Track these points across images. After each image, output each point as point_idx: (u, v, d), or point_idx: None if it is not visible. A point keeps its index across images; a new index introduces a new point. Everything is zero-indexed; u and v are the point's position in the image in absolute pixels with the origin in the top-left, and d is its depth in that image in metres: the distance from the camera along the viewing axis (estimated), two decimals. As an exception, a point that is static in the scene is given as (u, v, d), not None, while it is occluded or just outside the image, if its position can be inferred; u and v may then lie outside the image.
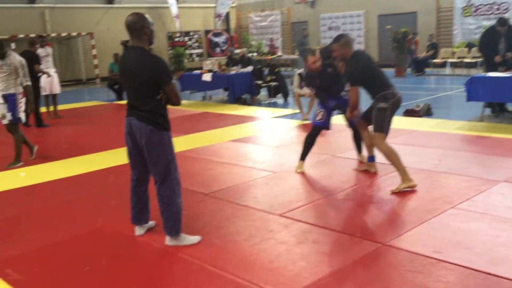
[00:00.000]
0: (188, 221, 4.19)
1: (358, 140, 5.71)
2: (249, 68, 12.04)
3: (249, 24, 23.67)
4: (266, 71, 12.89)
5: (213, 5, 22.20)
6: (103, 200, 4.94)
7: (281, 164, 5.93)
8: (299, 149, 6.70)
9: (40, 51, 10.06)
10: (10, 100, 6.30)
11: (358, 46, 19.79)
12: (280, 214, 4.22)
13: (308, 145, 5.54)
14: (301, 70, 9.12)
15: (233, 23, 24.47)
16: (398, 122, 8.03)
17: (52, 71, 10.24)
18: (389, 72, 16.75)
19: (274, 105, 11.41)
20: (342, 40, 4.89)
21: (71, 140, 8.22)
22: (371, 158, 5.36)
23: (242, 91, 11.81)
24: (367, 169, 5.38)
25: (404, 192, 4.59)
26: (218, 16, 22.22)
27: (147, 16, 3.56)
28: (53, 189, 5.41)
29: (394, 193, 4.58)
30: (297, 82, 9.01)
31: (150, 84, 3.45)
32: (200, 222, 4.19)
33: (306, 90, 8.84)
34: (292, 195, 4.75)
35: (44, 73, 9.60)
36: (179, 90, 3.60)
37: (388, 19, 18.71)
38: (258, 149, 6.93)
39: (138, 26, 3.49)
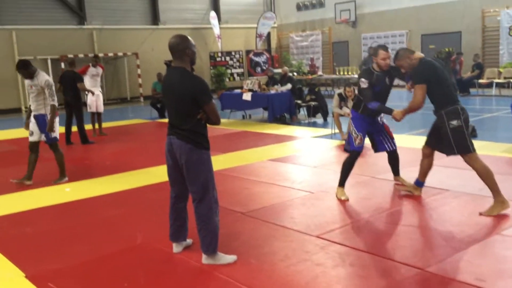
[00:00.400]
0: (225, 240, 4.21)
1: (394, 161, 5.58)
2: (288, 86, 12.08)
3: (290, 44, 23.83)
4: (306, 90, 12.91)
5: (255, 25, 22.51)
6: (144, 216, 5.04)
7: (319, 185, 5.89)
8: (337, 169, 6.65)
9: (91, 70, 10.50)
10: (41, 121, 6.41)
11: (400, 65, 19.55)
12: (317, 235, 4.18)
13: (347, 170, 5.33)
14: (341, 90, 9.09)
15: (274, 43, 24.70)
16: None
17: (97, 90, 10.61)
18: (432, 92, 16.48)
19: (314, 124, 11.38)
20: (400, 52, 4.90)
21: (114, 157, 8.44)
22: (421, 184, 5.17)
23: (282, 110, 11.86)
24: (411, 191, 5.23)
25: (447, 216, 4.47)
26: (259, 36, 22.50)
27: (189, 38, 3.66)
28: (96, 205, 5.55)
29: (482, 214, 4.43)
30: (337, 102, 8.97)
31: (191, 103, 3.54)
32: (236, 241, 4.21)
33: (346, 110, 8.79)
34: (329, 216, 4.70)
35: (88, 91, 9.95)
36: (218, 110, 3.67)
37: (432, 38, 18.43)
38: (297, 169, 6.91)
39: (181, 47, 3.59)
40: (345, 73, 18.30)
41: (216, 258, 3.72)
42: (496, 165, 6.31)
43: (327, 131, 9.89)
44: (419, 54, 4.84)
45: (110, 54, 19.54)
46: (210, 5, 22.50)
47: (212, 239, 3.68)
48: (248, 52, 22.36)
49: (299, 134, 9.95)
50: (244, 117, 12.97)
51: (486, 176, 4.50)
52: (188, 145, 3.56)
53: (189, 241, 4.09)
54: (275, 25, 24.01)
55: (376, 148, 5.53)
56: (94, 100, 10.48)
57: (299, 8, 23.42)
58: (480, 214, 4.44)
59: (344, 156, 7.53)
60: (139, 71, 20.11)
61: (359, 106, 5.27)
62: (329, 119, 11.40)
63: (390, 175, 6.04)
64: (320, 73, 19.93)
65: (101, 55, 19.23)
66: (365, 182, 5.91)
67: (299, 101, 12.24)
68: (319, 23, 22.54)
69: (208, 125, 3.68)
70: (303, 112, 12.64)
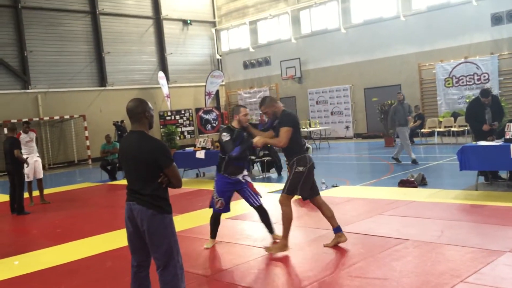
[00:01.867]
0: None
1: (263, 217, 5.78)
2: (242, 144, 12.17)
3: (239, 100, 24.27)
4: (258, 146, 13.02)
5: (203, 84, 22.85)
6: (101, 287, 4.77)
7: (281, 242, 5.83)
8: (297, 225, 6.66)
9: (23, 137, 10.02)
10: None
11: (346, 118, 20.32)
12: (285, 295, 4.10)
13: (215, 225, 5.72)
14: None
15: (223, 100, 25.08)
16: (395, 193, 8.09)
17: (35, 156, 10.19)
18: (378, 142, 17.10)
19: (268, 180, 11.43)
20: (267, 99, 5.36)
21: (64, 225, 8.06)
22: (338, 229, 5.42)
23: (236, 167, 11.84)
24: (338, 240, 5.37)
25: (411, 266, 4.51)
26: (208, 94, 22.81)
27: (147, 101, 3.65)
28: (47, 278, 5.22)
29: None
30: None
31: (151, 167, 3.47)
32: (203, 308, 4.05)
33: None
34: (296, 274, 4.65)
35: (23, 162, 9.39)
36: (179, 172, 3.61)
37: (374, 91, 19.33)
38: (256, 226, 6.82)
39: (139, 110, 3.57)
40: (295, 127, 18.69)
41: None
42: (449, 212, 6.53)
43: (282, 185, 9.92)
44: (281, 104, 5.43)
45: (56, 117, 19.13)
46: (158, 66, 22.74)
47: None
48: (197, 110, 22.55)
49: (254, 190, 9.91)
50: (198, 175, 12.87)
51: (284, 218, 5.28)
52: (150, 211, 3.45)
53: None
54: (223, 83, 24.47)
55: (248, 203, 5.75)
56: (32, 167, 10.01)
57: (245, 66, 24.06)
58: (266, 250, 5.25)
59: (303, 210, 7.60)
60: (86, 133, 19.75)
61: (220, 167, 5.53)
62: (283, 173, 11.51)
63: (351, 228, 6.11)
64: (270, 128, 20.27)
65: (46, 118, 18.81)
66: (326, 236, 5.90)
67: (252, 157, 12.32)
68: (266, 79, 23.19)
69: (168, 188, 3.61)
70: (257, 168, 12.69)
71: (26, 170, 9.68)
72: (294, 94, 22.26)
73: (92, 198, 10.77)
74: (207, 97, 22.84)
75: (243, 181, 5.62)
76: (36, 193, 10.29)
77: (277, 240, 5.54)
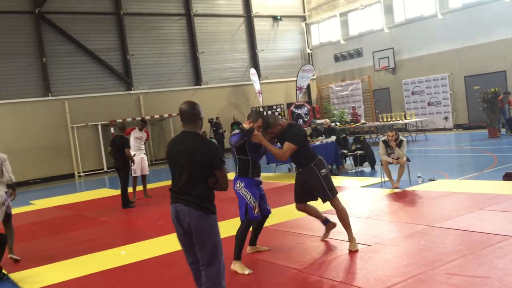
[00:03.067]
0: (284, 299, 4.14)
1: (260, 227, 5.44)
2: (333, 138, 12.07)
3: (330, 94, 24.02)
4: (351, 139, 12.84)
5: (294, 79, 22.92)
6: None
7: (374, 236, 5.74)
8: (392, 219, 6.51)
9: (136, 133, 10.77)
10: None
11: (445, 108, 19.32)
12: (378, 291, 4.04)
13: (243, 241, 5.05)
14: (385, 137, 8.99)
15: (314, 94, 24.98)
16: (499, 187, 7.59)
17: (142, 153, 10.85)
18: (481, 133, 16.06)
19: (361, 174, 11.24)
20: (270, 120, 5.22)
21: (165, 218, 8.53)
22: (327, 220, 5.78)
23: (328, 161, 11.77)
24: (331, 228, 5.77)
25: (515, 265, 4.22)
26: (299, 88, 22.84)
27: (198, 104, 3.77)
28: (151, 267, 5.59)
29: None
30: (383, 150, 8.86)
31: (205, 168, 3.53)
32: (295, 300, 4.12)
33: (394, 157, 8.66)
34: (389, 269, 4.54)
35: (131, 159, 10.05)
36: (227, 175, 3.67)
37: (476, 79, 18.18)
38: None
39: (196, 112, 3.68)
40: (388, 119, 18.16)
41: None
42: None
43: (376, 179, 9.72)
44: (284, 120, 5.49)
45: (156, 116, 20.25)
46: (249, 63, 23.18)
47: None
48: (289, 105, 22.67)
49: (347, 184, 9.82)
50: (290, 170, 12.96)
51: (346, 218, 5.37)
52: (197, 212, 3.51)
53: None
54: (314, 77, 24.36)
55: (262, 212, 5.24)
56: (139, 164, 10.70)
57: (336, 59, 23.74)
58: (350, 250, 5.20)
59: (397, 205, 7.39)
60: (184, 130, 20.65)
61: (247, 171, 5.07)
62: (377, 167, 11.24)
63: (450, 223, 5.85)
64: (363, 121, 19.88)
65: (147, 117, 19.96)
66: (422, 232, 5.71)
67: (344, 151, 12.17)
68: (358, 72, 22.71)
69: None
70: (349, 162, 12.52)
71: (134, 166, 10.39)
72: (388, 85, 21.57)
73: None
74: (298, 91, 22.88)
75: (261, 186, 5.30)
76: (140, 188, 11.00)
77: (262, 249, 5.55)
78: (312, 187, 5.36)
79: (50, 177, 17.90)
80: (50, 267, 5.99)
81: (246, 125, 5.13)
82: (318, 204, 5.73)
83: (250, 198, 5.00)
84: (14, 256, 6.42)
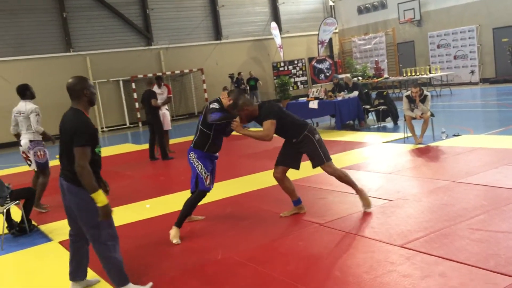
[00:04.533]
0: (306, 251, 4.20)
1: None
2: (355, 93, 11.90)
3: (353, 48, 23.53)
4: (373, 94, 12.65)
5: (316, 32, 22.45)
6: (221, 230, 5.11)
7: (396, 192, 5.73)
8: (415, 175, 6.48)
9: (157, 90, 10.78)
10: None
11: (471, 61, 18.81)
12: (400, 245, 4.06)
13: (190, 211, 5.05)
14: (408, 92, 8.82)
15: (336, 49, 24.51)
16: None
17: (164, 108, 10.89)
18: (509, 87, 15.62)
19: (384, 129, 11.13)
20: (239, 101, 4.84)
21: (187, 173, 8.63)
22: (298, 201, 5.33)
23: (350, 116, 11.70)
24: (297, 212, 5.30)
25: (540, 221, 4.19)
26: (321, 42, 22.41)
27: (87, 79, 3.69)
28: (173, 220, 5.69)
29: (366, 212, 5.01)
30: (407, 105, 8.72)
31: (71, 144, 3.47)
32: (317, 253, 4.18)
33: (417, 112, 8.53)
34: (412, 224, 4.55)
35: (159, 107, 10.18)
36: (87, 159, 3.45)
37: (505, 31, 17.53)
38: (370, 176, 6.77)
39: (78, 87, 3.59)
40: (413, 73, 17.77)
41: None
42: None
43: (399, 135, 9.62)
44: (254, 103, 5.09)
45: (177, 72, 20.20)
46: (270, 16, 22.72)
47: (118, 274, 3.68)
48: (310, 59, 22.32)
49: (369, 140, 9.75)
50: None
51: (348, 177, 5.13)
52: (74, 186, 3.52)
53: (93, 280, 4.06)
54: (337, 30, 23.82)
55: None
56: (162, 118, 10.74)
57: (360, 11, 23.09)
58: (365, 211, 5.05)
59: (420, 160, 7.33)
60: (204, 86, 20.63)
61: (204, 144, 4.96)
62: (400, 122, 11.11)
63: (474, 179, 5.81)
64: (386, 75, 19.50)
65: (168, 73, 19.93)
66: (445, 187, 5.67)
67: (367, 106, 12.01)
68: (382, 24, 22.10)
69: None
70: (371, 117, 12.39)
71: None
72: (413, 38, 20.99)
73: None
74: (320, 46, 22.46)
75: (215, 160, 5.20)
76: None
77: (197, 219, 5.47)
78: (306, 153, 5.11)
79: (74, 133, 18.16)
80: (78, 220, 6.16)
81: (225, 101, 4.97)
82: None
83: (201, 169, 4.92)
84: (37, 209, 6.67)
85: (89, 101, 3.66)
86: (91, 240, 3.65)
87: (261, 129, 4.95)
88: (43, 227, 5.97)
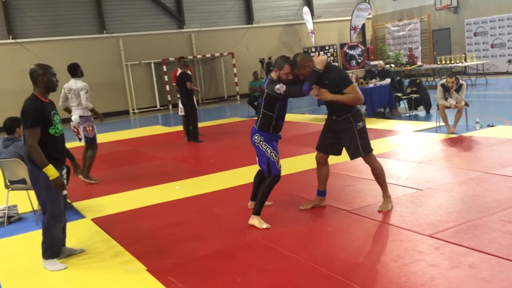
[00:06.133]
0: (333, 238, 4.22)
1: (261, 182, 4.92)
2: (387, 81, 11.72)
3: (386, 34, 23.08)
4: (406, 82, 12.43)
5: (348, 18, 22.10)
6: (248, 214, 5.15)
7: (427, 181, 5.66)
8: (446, 165, 6.38)
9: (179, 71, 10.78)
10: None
11: (509, 51, 18.24)
12: (429, 234, 4.03)
13: (265, 197, 4.71)
14: (443, 81, 8.63)
15: (369, 35, 24.08)
16: None
17: None
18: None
19: (416, 118, 10.95)
20: (298, 59, 4.53)
21: (217, 156, 8.74)
22: (323, 193, 5.10)
23: (381, 104, 11.54)
24: (318, 204, 5.07)
25: None
26: (353, 28, 22.06)
27: (48, 67, 4.02)
28: (203, 202, 5.79)
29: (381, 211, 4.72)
30: (441, 94, 8.55)
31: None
32: (344, 240, 4.18)
33: (452, 101, 8.35)
34: (442, 214, 4.50)
35: (195, 90, 10.30)
36: (34, 138, 3.85)
37: (546, 19, 16.89)
38: (401, 165, 6.69)
39: (35, 74, 3.99)
40: (447, 62, 17.35)
41: (47, 263, 4.10)
42: None
43: (431, 124, 9.46)
44: (322, 57, 4.65)
45: (208, 55, 20.24)
46: (303, 1, 22.46)
47: (48, 247, 4.08)
48: (342, 45, 22.02)
49: (400, 128, 9.62)
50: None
51: (380, 173, 4.83)
52: (31, 165, 3.98)
53: (77, 249, 4.45)
54: (370, 16, 23.38)
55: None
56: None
57: (395, -3, 22.59)
58: (379, 211, 4.74)
59: (452, 150, 7.20)
60: (235, 70, 20.62)
61: (268, 125, 4.65)
62: (432, 111, 10.90)
63: (505, 171, 5.68)
64: (419, 63, 19.09)
65: (199, 56, 19.99)
66: (478, 178, 5.57)
67: (399, 94, 11.83)
68: (417, 10, 21.58)
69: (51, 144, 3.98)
70: (403, 105, 12.19)
71: (181, 104, 10.51)
72: (449, 25, 20.44)
73: (240, 132, 11.40)
74: (352, 31, 22.11)
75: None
76: (180, 127, 11.25)
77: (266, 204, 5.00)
78: (342, 141, 4.77)
79: (106, 113, 18.30)
80: (109, 198, 6.32)
81: (273, 74, 4.60)
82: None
83: (271, 152, 4.64)
84: (87, 180, 7.16)
85: (46, 87, 4.03)
86: (42, 211, 4.09)
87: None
88: (76, 204, 6.14)
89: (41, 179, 3.94)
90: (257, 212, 4.68)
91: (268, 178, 4.69)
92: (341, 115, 4.67)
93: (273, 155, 4.64)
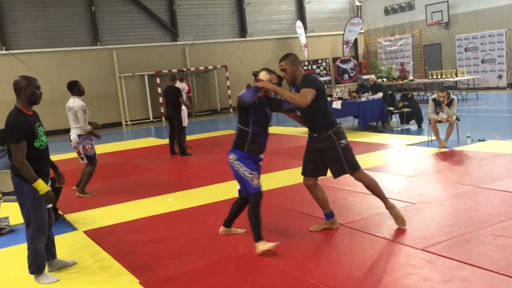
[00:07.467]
0: (326, 251, 4.23)
1: (241, 209, 4.74)
2: (379, 95, 11.83)
3: (378, 49, 23.32)
4: (398, 96, 12.55)
5: (341, 32, 22.32)
6: (241, 226, 5.15)
7: (419, 195, 5.70)
8: (438, 179, 6.43)
9: (179, 85, 10.83)
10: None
11: (499, 66, 18.48)
12: (422, 248, 4.05)
13: (256, 219, 4.31)
14: (434, 95, 8.73)
15: (361, 49, 24.32)
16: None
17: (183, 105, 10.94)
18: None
19: (407, 132, 11.04)
20: (292, 56, 4.56)
21: (211, 168, 8.73)
22: (331, 215, 4.79)
23: (373, 117, 11.63)
24: (329, 227, 4.77)
25: None
26: (346, 43, 22.27)
27: (32, 79, 3.98)
28: (197, 215, 5.79)
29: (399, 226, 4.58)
30: (432, 108, 8.64)
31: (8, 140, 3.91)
32: (337, 252, 4.20)
33: (443, 116, 8.44)
34: (434, 228, 4.53)
35: (185, 105, 10.32)
36: (22, 154, 3.81)
37: (535, 36, 17.17)
38: (393, 179, 6.74)
39: (18, 86, 3.95)
40: (439, 76, 17.55)
41: (37, 278, 4.07)
42: None
43: (423, 138, 9.54)
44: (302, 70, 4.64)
45: (201, 68, 20.32)
46: (296, 15, 22.68)
47: (32, 261, 4.03)
48: (335, 59, 22.20)
49: (392, 142, 9.69)
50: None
51: (375, 187, 4.62)
52: (16, 178, 3.93)
53: (69, 261, 4.44)
54: (362, 30, 23.64)
55: (246, 192, 4.52)
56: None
57: (387, 12, 22.88)
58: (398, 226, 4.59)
59: (444, 164, 7.27)
60: (228, 82, 20.70)
61: (243, 144, 4.40)
62: (424, 125, 11.00)
63: (496, 185, 5.73)
64: (411, 77, 19.29)
65: (192, 69, 20.06)
66: (469, 192, 5.62)
67: (391, 108, 11.93)
68: (409, 26, 21.86)
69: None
70: (395, 119, 12.30)
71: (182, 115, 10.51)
72: (440, 40, 20.70)
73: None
74: (345, 46, 22.33)
75: (260, 163, 4.58)
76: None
77: (237, 231, 4.83)
78: (326, 160, 4.54)
79: (99, 125, 18.45)
80: (101, 210, 6.30)
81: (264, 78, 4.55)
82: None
83: (244, 170, 4.33)
84: (82, 195, 7.09)
85: (29, 99, 3.96)
86: (26, 225, 4.04)
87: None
88: (68, 217, 6.11)
89: (26, 192, 3.90)
90: (256, 238, 4.29)
91: (248, 199, 4.43)
92: (322, 133, 4.48)
93: (246, 173, 4.34)
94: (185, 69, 19.72)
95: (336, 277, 3.67)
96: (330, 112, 4.62)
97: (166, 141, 12.58)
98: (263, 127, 4.45)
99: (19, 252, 4.93)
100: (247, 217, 4.38)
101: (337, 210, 5.33)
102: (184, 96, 10.81)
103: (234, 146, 4.47)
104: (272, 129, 12.69)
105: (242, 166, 4.36)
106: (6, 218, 5.91)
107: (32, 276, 4.11)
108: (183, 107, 10.61)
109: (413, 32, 21.61)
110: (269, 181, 6.96)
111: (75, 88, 6.90)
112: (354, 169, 4.53)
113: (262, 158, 4.58)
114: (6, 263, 4.72)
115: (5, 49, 17.21)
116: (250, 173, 4.34)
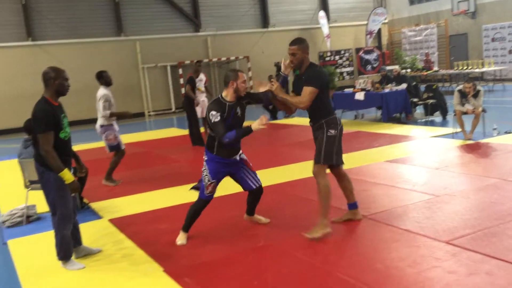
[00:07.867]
0: (349, 243, 4.22)
1: (254, 199, 4.82)
2: (403, 86, 11.67)
3: (402, 39, 22.97)
4: (422, 87, 12.37)
5: (364, 22, 22.05)
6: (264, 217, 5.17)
7: (443, 187, 5.62)
8: (462, 171, 6.34)
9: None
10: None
11: (527, 57, 17.96)
12: (446, 241, 4.01)
13: (193, 217, 4.59)
14: (460, 87, 8.58)
15: (385, 39, 23.98)
16: None
17: (203, 96, 10.94)
18: None
19: (432, 123, 10.88)
20: (304, 43, 4.41)
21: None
22: (354, 205, 4.74)
23: (397, 109, 11.48)
24: (351, 218, 4.73)
25: None
26: (369, 33, 22.00)
27: (62, 71, 4.02)
28: (219, 205, 5.79)
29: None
30: (458, 99, 8.49)
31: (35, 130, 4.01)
32: (360, 244, 4.18)
33: (469, 107, 8.29)
34: (458, 221, 4.48)
35: (191, 96, 10.23)
36: (49, 143, 3.87)
37: None
38: (417, 171, 6.67)
39: (47, 77, 4.00)
40: (464, 67, 17.22)
41: (64, 264, 4.18)
42: None
43: (447, 130, 9.39)
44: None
45: (223, 59, 20.33)
46: (319, 5, 22.46)
47: (60, 248, 4.13)
48: (358, 50, 21.97)
49: (416, 134, 9.56)
50: (357, 117, 12.76)
51: (324, 192, 4.35)
52: (41, 168, 4.00)
53: (95, 249, 4.52)
54: (386, 20, 23.30)
55: (243, 187, 4.73)
56: (200, 106, 10.77)
57: (411, 1, 22.50)
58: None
59: (469, 156, 7.15)
60: (250, 73, 20.68)
61: (212, 146, 4.43)
62: (449, 117, 10.83)
63: (525, 178, 5.61)
64: (436, 68, 18.97)
65: (215, 59, 20.10)
66: (495, 185, 5.52)
67: (415, 99, 11.76)
68: (434, 15, 21.46)
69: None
70: (419, 111, 12.12)
71: (198, 107, 10.59)
72: (466, 30, 20.28)
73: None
74: (368, 36, 22.05)
75: (238, 159, 4.63)
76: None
77: (260, 220, 4.91)
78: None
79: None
80: (126, 199, 6.39)
81: (229, 90, 4.55)
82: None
83: (206, 174, 4.44)
84: (108, 183, 7.19)
85: (57, 90, 4.02)
86: (52, 213, 4.14)
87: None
88: (93, 205, 6.22)
89: (52, 181, 3.98)
90: (184, 228, 4.60)
91: (197, 200, 4.58)
92: (316, 122, 4.49)
93: (206, 178, 4.43)
94: (207, 60, 19.79)
95: (360, 269, 3.66)
96: (329, 102, 4.57)
97: (188, 131, 12.68)
98: (236, 129, 4.43)
99: (46, 238, 5.05)
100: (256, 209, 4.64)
101: (360, 202, 5.29)
102: (202, 87, 10.86)
103: (206, 146, 4.57)
104: (294, 121, 12.66)
105: (206, 169, 4.50)
106: (34, 206, 6.05)
107: (60, 262, 4.20)
108: (202, 98, 10.65)
109: (438, 22, 21.21)
110: (291, 172, 6.96)
111: (102, 79, 7.09)
112: (326, 160, 4.39)
113: (238, 159, 4.62)
114: (34, 248, 4.84)
115: (31, 40, 17.50)
116: (209, 180, 4.46)
